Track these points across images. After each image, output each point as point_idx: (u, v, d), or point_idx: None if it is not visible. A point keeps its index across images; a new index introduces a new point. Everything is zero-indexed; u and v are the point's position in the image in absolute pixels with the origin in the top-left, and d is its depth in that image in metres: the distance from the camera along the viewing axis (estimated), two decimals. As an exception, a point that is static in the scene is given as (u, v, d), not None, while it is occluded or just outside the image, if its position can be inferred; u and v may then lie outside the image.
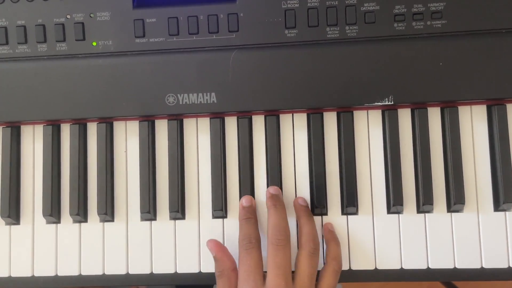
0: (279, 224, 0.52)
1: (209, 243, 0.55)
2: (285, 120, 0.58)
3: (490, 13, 0.54)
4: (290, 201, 0.57)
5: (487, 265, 0.55)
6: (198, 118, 0.59)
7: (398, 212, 0.56)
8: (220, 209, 0.56)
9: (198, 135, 0.58)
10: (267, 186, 0.57)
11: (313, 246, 0.52)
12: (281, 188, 0.57)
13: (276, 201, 0.54)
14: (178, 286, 0.86)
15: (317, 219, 0.57)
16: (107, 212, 0.57)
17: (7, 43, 0.57)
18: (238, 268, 0.53)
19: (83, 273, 0.58)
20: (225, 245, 0.57)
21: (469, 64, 0.54)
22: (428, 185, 0.55)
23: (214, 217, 0.57)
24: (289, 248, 0.52)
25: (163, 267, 0.57)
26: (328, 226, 0.56)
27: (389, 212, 0.56)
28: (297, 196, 0.57)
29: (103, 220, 0.58)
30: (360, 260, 0.56)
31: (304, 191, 0.57)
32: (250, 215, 0.55)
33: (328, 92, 0.55)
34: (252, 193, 0.57)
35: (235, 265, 0.54)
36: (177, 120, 0.58)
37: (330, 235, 0.55)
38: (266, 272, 0.52)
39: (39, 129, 0.60)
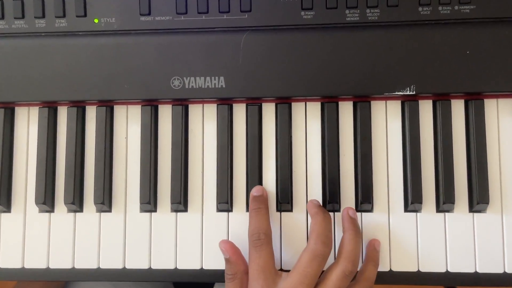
0: (324, 234, 0.48)
1: (222, 244, 0.51)
2: (298, 108, 0.55)
3: (523, -2, 0.50)
4: (302, 194, 0.53)
5: (510, 270, 0.51)
6: (205, 104, 0.55)
7: (416, 211, 0.53)
8: (225, 202, 0.53)
9: (204, 122, 0.55)
10: (277, 179, 0.54)
11: (351, 268, 0.47)
12: (291, 181, 0.54)
13: (325, 210, 0.51)
14: (176, 283, 0.83)
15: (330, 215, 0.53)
16: (104, 201, 0.54)
17: (2, 17, 0.54)
18: (248, 264, 0.50)
19: (77, 267, 0.55)
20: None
21: (497, 53, 0.51)
22: (449, 182, 0.51)
23: (219, 210, 0.54)
24: (325, 262, 0.48)
25: (163, 262, 0.54)
26: (374, 243, 0.51)
27: (406, 210, 0.53)
28: (308, 186, 0.54)
29: (100, 210, 0.55)
30: (374, 261, 0.52)
31: (316, 185, 0.53)
32: (260, 205, 0.51)
33: (345, 79, 0.52)
34: (260, 185, 0.53)
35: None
36: (182, 105, 0.54)
37: (374, 255, 0.51)
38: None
39: (34, 111, 0.56)
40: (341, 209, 0.53)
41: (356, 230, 0.50)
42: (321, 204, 0.53)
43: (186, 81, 0.53)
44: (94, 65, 0.53)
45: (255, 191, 0.52)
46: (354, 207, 0.53)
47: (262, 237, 0.49)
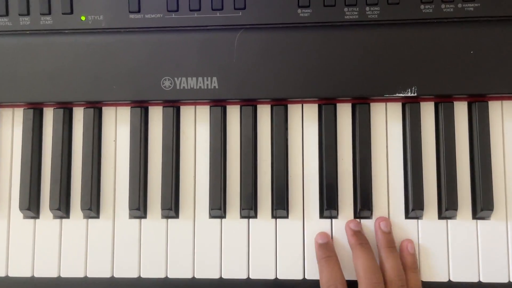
0: (371, 265, 0.47)
1: None
2: (294, 110, 0.53)
3: (529, -4, 0.48)
4: (298, 201, 0.51)
5: (515, 279, 0.49)
6: (197, 106, 0.53)
7: (417, 217, 0.51)
8: (218, 208, 0.51)
9: (196, 125, 0.53)
10: (272, 184, 0.52)
11: (401, 283, 0.47)
12: (287, 187, 0.52)
13: (362, 239, 0.49)
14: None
15: (327, 222, 0.51)
16: (92, 207, 0.52)
17: (-15, 15, 0.52)
18: None
19: (63, 275, 0.53)
20: (222, 250, 0.51)
21: (502, 53, 0.49)
22: (452, 188, 0.50)
23: (211, 216, 0.52)
24: (383, 286, 0.47)
25: (153, 271, 0.52)
26: (407, 246, 0.50)
27: (407, 217, 0.51)
28: (305, 192, 0.52)
29: (87, 217, 0.53)
30: (374, 269, 0.50)
31: (313, 191, 0.52)
32: (330, 253, 0.49)
33: (344, 80, 0.50)
34: (254, 191, 0.51)
35: None
36: (173, 107, 0.53)
37: (410, 260, 0.49)
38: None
39: (19, 113, 0.55)
40: (339, 216, 0.51)
41: (391, 243, 0.49)
42: (319, 209, 0.51)
43: (177, 81, 0.51)
44: (81, 65, 0.51)
45: (319, 238, 0.50)
46: (386, 220, 0.51)
47: (339, 287, 0.47)
